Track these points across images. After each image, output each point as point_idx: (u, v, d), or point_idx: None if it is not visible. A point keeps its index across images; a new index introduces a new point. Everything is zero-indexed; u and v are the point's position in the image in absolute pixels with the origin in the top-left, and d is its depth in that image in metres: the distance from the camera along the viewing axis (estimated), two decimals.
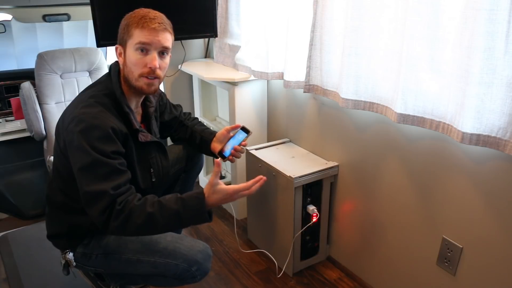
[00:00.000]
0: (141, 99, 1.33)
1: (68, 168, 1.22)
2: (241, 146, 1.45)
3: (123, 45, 1.21)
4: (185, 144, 1.62)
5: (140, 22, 1.16)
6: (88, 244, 1.32)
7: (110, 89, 1.23)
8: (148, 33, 1.16)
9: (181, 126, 1.60)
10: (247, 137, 1.45)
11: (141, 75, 1.20)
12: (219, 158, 1.43)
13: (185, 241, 1.32)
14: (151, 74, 1.20)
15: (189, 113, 1.66)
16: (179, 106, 1.63)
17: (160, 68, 1.21)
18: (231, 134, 1.50)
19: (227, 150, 1.46)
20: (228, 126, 1.52)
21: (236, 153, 1.45)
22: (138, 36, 1.16)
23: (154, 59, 1.18)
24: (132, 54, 1.18)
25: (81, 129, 1.12)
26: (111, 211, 1.10)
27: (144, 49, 1.18)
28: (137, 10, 1.21)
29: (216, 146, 1.51)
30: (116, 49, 1.24)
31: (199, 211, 1.13)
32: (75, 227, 1.31)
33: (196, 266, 1.28)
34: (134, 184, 1.26)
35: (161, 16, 1.21)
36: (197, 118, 1.66)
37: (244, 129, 1.46)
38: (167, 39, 1.21)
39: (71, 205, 1.28)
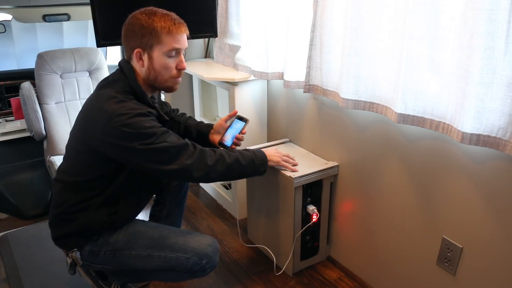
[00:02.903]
0: (150, 96, 1.37)
1: (95, 164, 1.26)
2: (241, 135, 1.51)
3: (147, 49, 1.23)
4: None
5: (171, 29, 1.22)
6: (97, 241, 1.33)
7: (130, 87, 1.26)
8: (180, 38, 1.25)
9: (172, 123, 1.62)
10: (245, 125, 1.49)
11: (172, 77, 1.28)
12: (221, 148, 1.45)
13: (194, 235, 1.35)
14: (180, 75, 1.30)
15: (177, 109, 1.68)
16: (168, 103, 1.65)
17: None
18: (227, 124, 1.53)
19: (228, 140, 1.49)
20: (224, 117, 1.54)
21: (237, 141, 1.51)
22: (170, 42, 1.23)
23: (183, 61, 1.28)
24: (163, 59, 1.24)
25: (128, 121, 1.17)
26: (200, 154, 1.26)
27: (176, 53, 1.25)
28: (156, 12, 1.24)
29: (215, 137, 1.55)
30: (137, 53, 1.24)
31: (263, 160, 1.44)
32: (86, 226, 1.31)
33: (206, 259, 1.30)
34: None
35: (181, 19, 1.27)
36: (185, 114, 1.67)
37: (240, 118, 1.48)
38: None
39: (85, 202, 1.29)
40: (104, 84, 1.29)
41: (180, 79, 1.31)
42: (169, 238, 1.32)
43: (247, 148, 1.45)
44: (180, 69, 1.28)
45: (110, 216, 1.31)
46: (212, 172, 1.28)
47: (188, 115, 1.68)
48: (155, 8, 1.25)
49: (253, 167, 1.40)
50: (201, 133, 1.56)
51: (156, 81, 1.27)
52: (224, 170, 1.30)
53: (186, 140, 1.29)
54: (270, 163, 1.47)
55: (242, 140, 1.53)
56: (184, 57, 1.30)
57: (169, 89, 1.32)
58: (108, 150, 1.21)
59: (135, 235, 1.33)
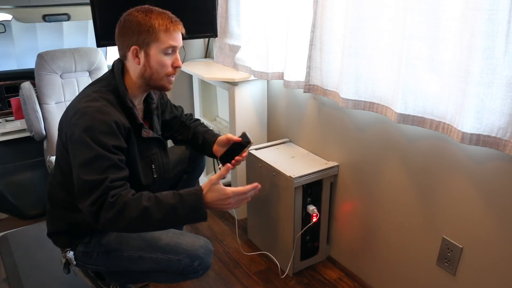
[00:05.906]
0: (144, 96, 1.35)
1: (70, 164, 1.23)
2: (240, 157, 1.45)
3: (144, 46, 1.22)
4: (187, 145, 1.62)
5: (169, 27, 1.22)
6: (89, 243, 1.32)
7: (114, 85, 1.25)
8: (176, 36, 1.25)
9: (183, 127, 1.61)
10: (247, 147, 1.45)
11: (167, 75, 1.27)
12: (220, 164, 1.44)
13: (187, 237, 1.33)
14: (175, 73, 1.29)
15: (191, 114, 1.67)
16: (180, 107, 1.64)
17: None
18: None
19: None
20: (230, 135, 1.52)
21: (235, 162, 1.45)
22: (167, 40, 1.23)
23: (178, 59, 1.28)
24: (160, 57, 1.24)
25: (84, 122, 1.13)
26: (102, 202, 1.09)
27: (172, 51, 1.26)
28: (152, 10, 1.24)
29: (218, 149, 1.53)
30: (133, 50, 1.23)
31: (196, 207, 1.13)
32: (75, 225, 1.31)
33: (198, 261, 1.29)
34: (136, 180, 1.27)
35: (176, 17, 1.27)
36: (199, 120, 1.66)
37: (245, 137, 1.46)
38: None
39: (72, 202, 1.28)
40: (92, 82, 1.31)
41: (173, 78, 1.30)
42: (161, 239, 1.30)
43: (180, 191, 1.15)
44: (175, 67, 1.27)
45: None
46: (108, 225, 1.12)
47: (200, 120, 1.66)
48: (150, 6, 1.25)
49: (175, 217, 1.12)
50: (206, 142, 1.55)
51: (151, 79, 1.26)
52: (125, 224, 1.10)
53: (110, 189, 1.10)
54: (210, 206, 1.16)
55: (238, 164, 1.46)
56: (184, 57, 1.29)
57: (163, 88, 1.30)
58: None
59: (127, 237, 1.32)
